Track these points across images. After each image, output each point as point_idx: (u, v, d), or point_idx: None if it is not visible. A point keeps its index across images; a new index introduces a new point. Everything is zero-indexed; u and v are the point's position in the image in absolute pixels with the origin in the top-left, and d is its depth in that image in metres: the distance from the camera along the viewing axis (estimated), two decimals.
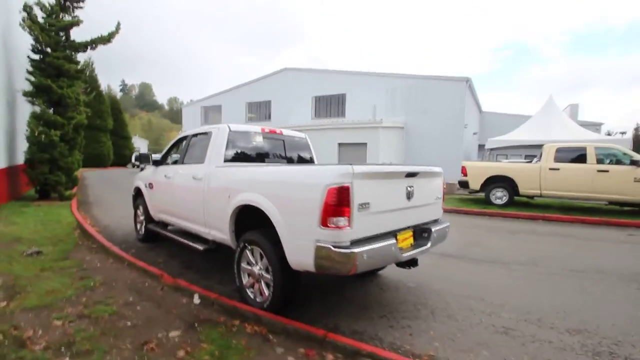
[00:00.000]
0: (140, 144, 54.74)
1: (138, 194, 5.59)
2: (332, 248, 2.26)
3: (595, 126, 21.68)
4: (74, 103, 9.05)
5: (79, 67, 9.44)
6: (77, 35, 9.39)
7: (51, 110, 8.74)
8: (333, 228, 2.28)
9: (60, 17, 9.06)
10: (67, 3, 9.21)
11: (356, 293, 3.47)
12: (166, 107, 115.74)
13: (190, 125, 28.88)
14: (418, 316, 2.95)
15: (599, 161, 8.05)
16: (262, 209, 2.74)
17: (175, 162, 5.08)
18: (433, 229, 3.09)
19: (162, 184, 4.68)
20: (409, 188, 2.81)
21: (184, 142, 4.51)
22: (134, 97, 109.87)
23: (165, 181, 4.55)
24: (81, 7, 9.57)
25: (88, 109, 9.82)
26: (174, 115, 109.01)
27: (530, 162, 9.37)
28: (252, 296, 3.00)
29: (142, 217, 5.43)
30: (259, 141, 4.14)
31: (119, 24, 9.52)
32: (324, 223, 2.29)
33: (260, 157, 4.13)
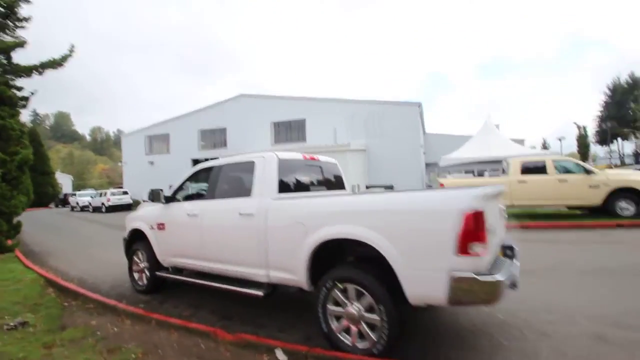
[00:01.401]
0: (63, 180, 48.16)
1: (135, 238, 4.80)
2: (476, 277, 2.14)
3: (519, 142, 25.03)
4: (17, 135, 7.66)
5: (23, 94, 8.10)
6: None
7: None
8: (473, 255, 2.16)
9: None
10: (8, 20, 7.98)
11: (431, 322, 3.32)
12: (88, 137, 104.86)
13: (132, 156, 26.46)
14: (518, 337, 2.90)
15: (558, 172, 9.20)
16: (367, 242, 2.51)
17: (190, 198, 4.54)
18: (513, 245, 3.13)
19: (181, 224, 4.08)
20: (500, 206, 2.84)
21: (211, 175, 4.03)
22: (49, 128, 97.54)
23: (187, 220, 3.97)
24: (23, 27, 8.37)
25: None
26: (98, 146, 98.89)
27: (481, 175, 10.33)
28: (347, 342, 2.67)
29: (142, 265, 4.64)
30: (303, 169, 3.89)
31: (72, 47, 8.48)
32: (463, 251, 2.16)
33: (305, 185, 3.87)
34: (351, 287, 2.65)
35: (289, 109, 20.96)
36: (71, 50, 8.39)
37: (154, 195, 4.25)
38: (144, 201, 4.60)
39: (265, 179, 3.40)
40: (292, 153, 3.84)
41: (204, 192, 4.74)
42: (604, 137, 53.18)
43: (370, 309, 2.57)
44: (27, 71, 7.92)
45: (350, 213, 2.67)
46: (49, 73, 8.19)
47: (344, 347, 2.66)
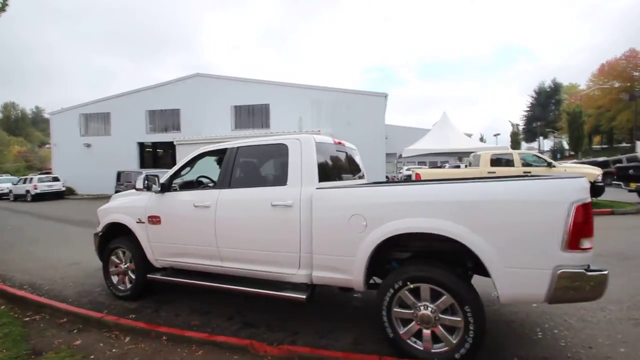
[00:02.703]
0: None
1: (114, 234, 3.97)
2: (586, 272, 1.98)
3: (469, 135, 26.93)
4: None
5: None
6: None
7: None
8: (582, 250, 2.00)
9: None
10: None
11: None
12: None
13: (64, 136, 23.02)
14: (565, 325, 2.88)
15: (523, 164, 9.90)
16: (455, 237, 2.22)
17: (189, 186, 3.85)
18: None
19: (185, 217, 3.41)
20: None
21: (224, 159, 3.40)
22: None
23: (194, 213, 3.32)
24: None
25: None
26: (12, 125, 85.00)
27: (441, 167, 10.80)
28: (419, 347, 2.39)
29: (125, 266, 3.85)
30: (334, 155, 3.46)
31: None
32: (573, 246, 1.98)
33: (338, 173, 3.46)
34: (425, 287, 2.36)
35: (251, 92, 19.76)
36: (4, 4, 6.71)
37: (150, 182, 3.48)
38: (136, 189, 3.72)
39: (304, 164, 2.92)
40: (321, 136, 3.39)
41: (206, 180, 4.11)
42: (530, 135, 60.13)
43: (446, 310, 2.32)
44: None
45: (428, 204, 2.35)
46: None
47: (416, 354, 2.37)
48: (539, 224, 2.05)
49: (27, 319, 3.32)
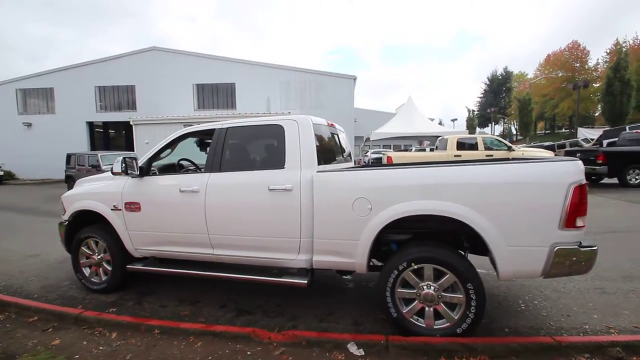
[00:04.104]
0: None
1: (83, 223, 3.62)
2: (580, 248, 2.14)
3: (431, 120, 27.98)
4: None
5: None
6: None
7: None
8: (577, 228, 2.15)
9: None
10: None
11: None
12: None
13: None
14: (543, 296, 3.14)
15: (485, 148, 10.50)
16: (460, 219, 2.28)
17: (168, 170, 3.59)
18: None
19: (169, 203, 3.17)
20: None
21: (212, 141, 3.17)
22: None
23: (180, 198, 3.10)
24: None
25: None
26: None
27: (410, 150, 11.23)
28: (422, 325, 2.48)
29: (99, 257, 3.54)
30: (327, 137, 3.38)
31: None
32: (570, 224, 2.12)
33: (332, 154, 3.40)
34: (429, 267, 2.43)
35: (215, 70, 18.69)
36: None
37: (127, 165, 3.16)
38: (113, 173, 3.35)
39: (303, 147, 2.82)
40: (316, 117, 3.28)
41: (187, 163, 3.84)
42: (483, 120, 64.00)
43: (448, 288, 2.41)
44: None
45: (434, 187, 2.37)
46: None
47: (419, 331, 2.46)
48: (539, 204, 2.17)
49: (5, 320, 2.95)
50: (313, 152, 2.83)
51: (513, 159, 3.14)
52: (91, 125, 20.83)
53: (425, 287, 2.45)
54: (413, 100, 21.36)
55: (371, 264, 2.85)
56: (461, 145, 10.63)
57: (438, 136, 22.14)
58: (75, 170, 12.92)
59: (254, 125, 3.10)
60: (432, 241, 2.58)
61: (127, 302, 3.31)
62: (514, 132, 55.94)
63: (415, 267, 2.45)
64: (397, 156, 10.74)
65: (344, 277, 3.77)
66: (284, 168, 2.82)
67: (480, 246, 2.43)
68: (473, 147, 10.54)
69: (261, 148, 3.20)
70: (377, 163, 14.56)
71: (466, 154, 10.40)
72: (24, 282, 3.90)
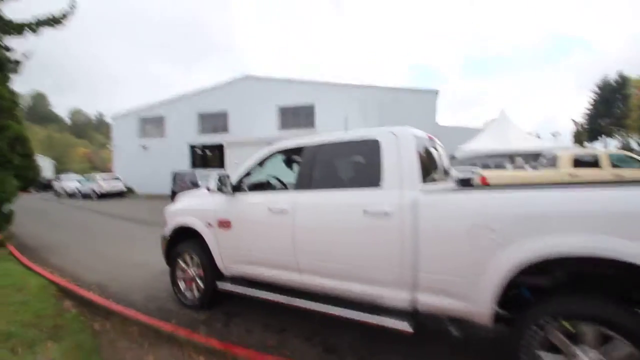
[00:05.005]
0: (44, 164, 45.33)
1: (181, 238, 3.76)
2: None
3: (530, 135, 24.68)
4: (8, 106, 6.34)
5: (14, 57, 6.73)
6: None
7: None
8: None
9: None
10: None
11: None
12: (67, 120, 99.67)
13: (124, 139, 24.68)
14: None
15: (612, 166, 8.56)
16: None
17: (260, 187, 3.53)
18: None
19: (258, 222, 3.07)
20: None
21: (303, 157, 3.01)
22: (26, 109, 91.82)
23: (268, 217, 2.96)
24: None
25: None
26: (78, 129, 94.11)
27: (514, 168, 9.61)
28: None
29: (192, 272, 3.61)
30: (429, 152, 2.93)
31: (73, 2, 7.11)
32: None
33: (432, 173, 2.92)
34: (589, 328, 1.75)
35: (296, 93, 19.69)
36: (72, 6, 7.02)
37: (222, 183, 3.19)
38: (209, 190, 3.48)
39: (404, 164, 2.43)
40: (416, 130, 2.87)
41: (275, 181, 3.77)
42: (593, 134, 54.26)
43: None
44: (19, 29, 6.54)
45: (594, 216, 1.73)
46: (46, 33, 6.82)
47: None
48: None
49: (97, 326, 3.17)
50: (416, 170, 2.42)
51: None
52: (192, 147, 23.71)
53: (581, 353, 1.77)
54: (507, 114, 19.21)
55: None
56: (577, 163, 8.84)
57: (537, 154, 19.34)
58: (179, 186, 14.64)
59: (347, 140, 2.83)
60: (590, 291, 1.89)
61: (215, 323, 3.25)
62: (636, 146, 45.91)
63: (566, 324, 1.79)
64: (494, 176, 9.41)
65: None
66: (381, 187, 2.46)
67: None
68: (594, 164, 8.68)
69: (355, 165, 2.90)
70: (464, 183, 13.12)
71: (586, 173, 8.59)
72: (130, 289, 4.22)
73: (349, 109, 18.46)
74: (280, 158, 3.65)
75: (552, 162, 9.58)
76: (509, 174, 9.92)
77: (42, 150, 63.00)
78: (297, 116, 20.09)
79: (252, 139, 18.16)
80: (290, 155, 3.68)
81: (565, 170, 8.78)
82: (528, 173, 9.73)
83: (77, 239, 7.80)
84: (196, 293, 3.59)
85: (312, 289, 2.81)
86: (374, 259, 2.42)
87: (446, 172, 3.34)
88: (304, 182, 2.89)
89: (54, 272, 5.01)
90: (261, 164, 3.40)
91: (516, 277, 2.02)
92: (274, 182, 3.80)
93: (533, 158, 21.27)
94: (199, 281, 3.57)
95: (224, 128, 21.78)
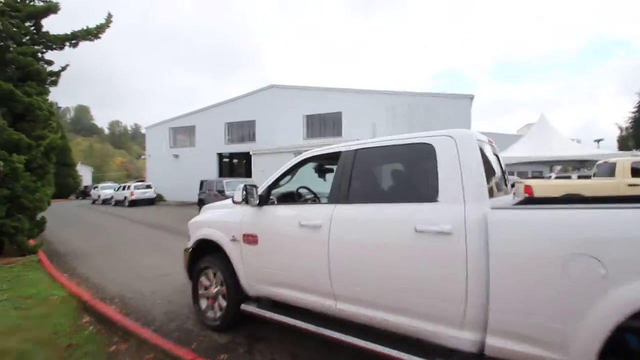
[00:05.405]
0: (83, 173, 48.12)
1: (204, 252, 3.48)
2: None
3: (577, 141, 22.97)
4: (45, 117, 6.49)
5: (52, 68, 6.93)
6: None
7: (13, 127, 6.10)
8: None
9: None
10: None
11: None
12: (106, 131, 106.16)
13: (156, 148, 25.57)
14: None
15: None
16: None
17: (288, 199, 3.20)
18: None
19: (287, 237, 2.72)
20: None
21: (338, 166, 2.64)
22: (69, 121, 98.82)
23: (299, 233, 2.61)
24: None
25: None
26: (116, 139, 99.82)
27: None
28: None
29: (215, 290, 3.31)
30: (491, 158, 2.47)
31: (110, 15, 7.27)
32: None
33: (497, 184, 2.45)
34: None
35: (322, 101, 19.52)
36: (108, 20, 7.18)
37: (248, 194, 2.88)
38: (234, 202, 3.17)
39: (466, 172, 1.99)
40: (479, 134, 2.42)
41: (305, 191, 3.43)
42: (637, 139, 49.85)
43: None
44: (58, 42, 6.74)
45: None
46: (88, 49, 6.97)
47: None
48: None
49: (112, 347, 2.92)
50: (482, 180, 1.98)
51: None
52: (220, 155, 24.10)
53: None
54: (547, 119, 17.95)
55: None
56: (635, 172, 7.85)
57: (582, 160, 17.80)
58: (206, 194, 14.73)
59: (392, 145, 2.43)
60: None
61: (238, 348, 2.91)
62: None
63: None
64: (539, 185, 8.57)
65: None
66: (437, 201, 2.03)
67: None
68: None
69: (402, 174, 2.50)
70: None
71: None
72: (151, 303, 4.00)
73: (377, 117, 18.01)
74: (312, 166, 3.31)
75: (607, 170, 8.61)
76: (558, 182, 9.01)
77: (84, 159, 67.20)
78: (324, 124, 19.87)
79: (278, 147, 18.11)
80: (324, 164, 3.33)
81: (624, 180, 7.82)
82: (581, 182, 8.79)
83: (103, 246, 7.86)
84: (218, 312, 3.28)
85: (349, 318, 2.40)
86: (426, 288, 1.98)
87: (506, 183, 2.85)
88: (341, 194, 2.51)
89: (80, 282, 4.93)
90: (291, 173, 3.07)
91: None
92: (305, 193, 3.46)
93: (577, 165, 19.61)
94: (221, 299, 3.26)
95: (251, 137, 21.97)
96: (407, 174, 2.45)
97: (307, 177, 3.52)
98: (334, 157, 2.75)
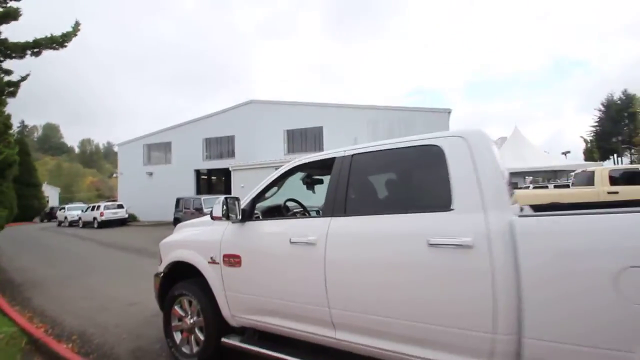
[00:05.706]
0: (49, 193, 45.31)
1: (178, 277, 3.05)
2: None
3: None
4: (1, 130, 5.87)
5: (11, 79, 6.35)
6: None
7: None
8: None
9: None
10: None
11: None
12: (77, 149, 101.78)
13: (129, 166, 24.42)
14: None
15: None
16: None
17: (274, 213, 2.87)
18: None
19: (276, 257, 2.37)
20: None
21: (333, 174, 2.35)
22: (36, 140, 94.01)
23: (289, 251, 2.27)
24: None
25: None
26: (87, 158, 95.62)
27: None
28: None
29: (191, 321, 2.86)
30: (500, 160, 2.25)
31: (77, 23, 6.82)
32: None
33: (510, 189, 2.23)
34: None
35: (303, 116, 19.40)
36: (75, 28, 6.72)
37: (229, 209, 2.52)
38: (212, 217, 2.77)
39: (483, 176, 1.75)
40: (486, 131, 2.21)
41: (293, 204, 3.10)
42: (603, 152, 53.06)
43: None
44: (18, 50, 6.20)
45: None
46: (46, 56, 6.47)
47: None
48: None
49: None
50: (502, 184, 1.74)
51: None
52: (198, 172, 23.29)
53: None
54: (521, 132, 18.65)
55: None
56: (619, 179, 8.07)
57: (555, 170, 18.48)
58: (182, 212, 13.99)
59: (394, 148, 2.17)
60: None
61: None
62: None
63: None
64: (525, 195, 8.62)
65: None
66: (451, 210, 1.77)
67: None
68: (630, 181, 7.89)
69: (408, 181, 2.23)
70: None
71: (628, 190, 7.80)
72: (116, 340, 3.47)
73: (358, 131, 18.03)
74: (300, 177, 3.01)
75: (585, 179, 8.81)
76: (541, 192, 9.13)
77: (50, 179, 63.50)
78: (305, 139, 19.70)
79: (259, 163, 17.69)
80: (314, 173, 3.04)
81: (604, 188, 7.99)
82: (561, 191, 8.94)
83: (66, 272, 7.11)
84: (195, 347, 2.83)
85: (349, 348, 2.06)
86: (449, 312, 1.69)
87: (513, 191, 2.65)
88: (337, 206, 2.21)
89: (33, 315, 4.29)
90: (278, 184, 2.75)
91: None
92: (294, 206, 3.14)
93: (549, 176, 20.33)
94: (198, 333, 2.82)
95: (230, 153, 21.43)
96: (413, 181, 2.19)
97: (295, 190, 3.22)
98: (326, 164, 2.47)
